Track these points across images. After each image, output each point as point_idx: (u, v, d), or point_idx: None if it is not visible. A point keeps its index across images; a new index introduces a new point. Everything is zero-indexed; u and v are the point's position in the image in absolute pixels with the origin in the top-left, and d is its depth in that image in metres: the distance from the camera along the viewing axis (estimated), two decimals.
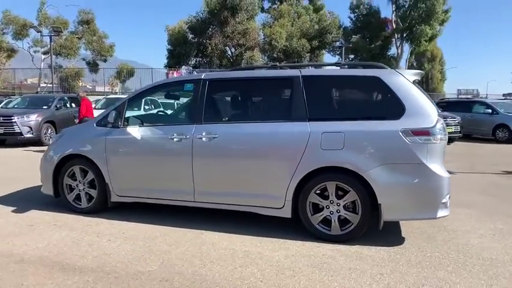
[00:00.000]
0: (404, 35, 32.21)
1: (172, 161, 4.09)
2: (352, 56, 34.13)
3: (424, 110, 3.45)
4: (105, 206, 4.46)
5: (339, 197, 3.58)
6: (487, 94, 42.73)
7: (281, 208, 3.74)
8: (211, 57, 26.00)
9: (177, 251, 3.41)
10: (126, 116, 4.32)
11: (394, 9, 33.31)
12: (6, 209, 4.65)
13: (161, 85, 4.56)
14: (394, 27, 32.93)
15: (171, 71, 33.00)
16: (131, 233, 3.87)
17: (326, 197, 3.62)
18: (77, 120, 10.29)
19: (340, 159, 3.50)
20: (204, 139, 3.92)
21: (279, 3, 30.06)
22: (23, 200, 5.07)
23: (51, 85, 23.65)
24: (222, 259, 3.23)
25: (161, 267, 3.07)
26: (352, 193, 3.51)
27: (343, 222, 3.60)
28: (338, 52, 34.69)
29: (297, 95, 3.75)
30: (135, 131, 4.23)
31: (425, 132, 3.36)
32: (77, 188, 4.55)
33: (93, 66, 27.71)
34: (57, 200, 4.70)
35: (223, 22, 23.99)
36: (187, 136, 3.97)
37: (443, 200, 3.40)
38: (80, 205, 4.54)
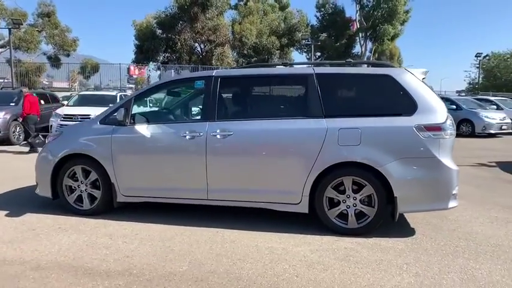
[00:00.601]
0: (368, 34, 33.33)
1: (184, 159, 4.02)
2: (318, 54, 34.86)
3: (434, 106, 3.63)
4: (109, 207, 4.30)
5: (355, 191, 3.69)
6: (439, 91, 45.16)
7: (298, 204, 3.79)
8: (180, 53, 25.51)
9: (200, 250, 3.37)
10: (132, 114, 4.18)
11: (358, 8, 34.35)
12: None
13: (170, 82, 4.45)
14: (358, 26, 33.98)
15: (133, 67, 32.09)
16: (145, 233, 3.76)
17: (342, 192, 3.72)
18: (20, 119, 9.77)
19: (358, 154, 3.60)
20: (218, 136, 3.88)
21: (245, 0, 30.04)
22: (13, 203, 4.77)
23: (7, 80, 22.18)
24: (249, 256, 3.24)
25: (191, 267, 3.02)
26: (369, 187, 3.63)
27: (359, 215, 3.71)
28: (305, 50, 35.33)
29: (312, 92, 3.81)
30: (144, 129, 4.10)
31: (437, 128, 3.54)
32: (78, 189, 4.34)
33: (55, 61, 26.23)
34: (51, 201, 4.47)
35: (194, 18, 23.60)
36: (201, 134, 3.91)
37: (454, 192, 3.61)
38: (82, 207, 4.34)
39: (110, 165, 4.15)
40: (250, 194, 3.92)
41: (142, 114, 4.28)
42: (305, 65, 4.19)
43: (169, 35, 24.65)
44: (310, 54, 37.36)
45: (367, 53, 35.95)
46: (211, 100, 4.01)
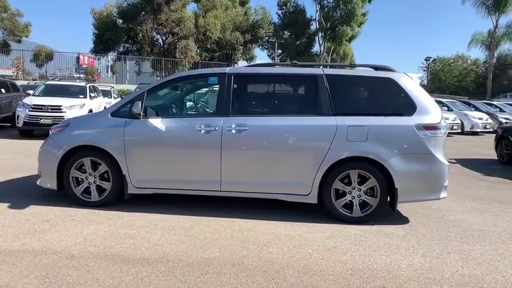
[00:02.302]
0: (327, 34, 34.50)
1: (199, 152, 4.16)
2: (280, 52, 35.50)
3: (431, 108, 4.10)
4: (117, 199, 4.33)
5: (359, 183, 4.07)
6: None
7: (307, 195, 4.10)
8: (142, 45, 24.80)
9: (224, 237, 3.56)
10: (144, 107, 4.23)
11: (318, 8, 35.40)
12: (1, 206, 4.21)
13: (184, 77, 4.53)
14: (318, 26, 35.06)
15: (82, 56, 30.61)
16: (163, 223, 3.87)
17: (348, 184, 4.08)
18: None
19: (365, 149, 3.98)
20: (233, 131, 4.07)
21: None
22: (10, 195, 4.62)
23: None
24: (273, 242, 3.49)
25: (223, 253, 3.22)
26: (372, 180, 4.02)
27: (362, 205, 4.10)
28: (266, 47, 35.83)
29: (322, 91, 4.12)
30: (158, 122, 4.18)
31: (434, 127, 4.02)
32: (86, 180, 4.32)
33: (3, 47, 24.26)
34: (49, 193, 4.45)
35: (157, 9, 23.05)
36: (217, 128, 4.08)
37: (445, 184, 4.11)
38: (90, 198, 4.33)
39: (122, 157, 4.18)
40: (262, 186, 4.16)
41: (156, 107, 4.34)
42: (311, 66, 4.48)
43: (131, 26, 23.86)
44: (271, 52, 38.05)
45: (324, 53, 37.23)
46: (225, 96, 4.19)
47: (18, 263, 2.91)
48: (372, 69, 4.38)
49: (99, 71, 39.13)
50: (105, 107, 13.58)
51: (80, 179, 4.35)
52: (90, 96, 11.22)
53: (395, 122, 4.03)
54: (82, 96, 11.03)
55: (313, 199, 4.10)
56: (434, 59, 40.44)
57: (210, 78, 4.34)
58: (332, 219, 4.12)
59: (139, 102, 4.08)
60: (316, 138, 4.04)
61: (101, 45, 23.86)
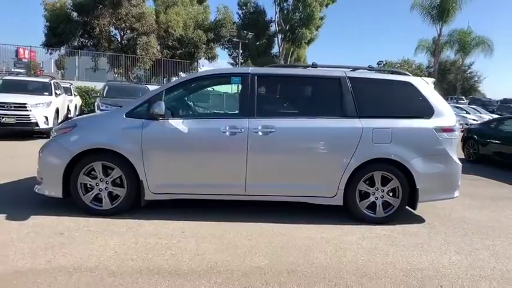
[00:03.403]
0: (287, 36, 35.01)
1: (224, 155, 4.00)
2: (241, 51, 35.41)
3: (446, 111, 4.28)
4: (131, 205, 4.03)
5: (382, 184, 4.15)
6: None
7: (333, 197, 4.10)
8: (99, 39, 23.44)
9: (262, 244, 3.45)
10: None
11: (277, 10, 35.78)
12: None
13: (205, 76, 4.30)
14: (278, 28, 35.47)
15: (22, 49, 28.38)
16: (191, 231, 3.66)
17: (371, 185, 4.14)
18: None
19: (389, 151, 4.06)
20: (260, 133, 3.96)
21: None
22: (2, 204, 4.12)
23: None
24: (313, 247, 3.44)
25: (272, 261, 3.10)
26: (395, 180, 4.12)
27: (384, 205, 4.18)
28: (227, 46, 35.58)
29: (346, 93, 4.15)
30: (179, 124, 3.95)
31: (450, 129, 4.20)
32: (96, 187, 3.96)
33: None
34: (45, 200, 4.11)
35: (117, 3, 21.89)
36: (242, 130, 3.94)
37: (459, 183, 4.32)
38: (101, 206, 3.98)
39: (139, 161, 3.90)
40: (289, 189, 4.09)
41: (174, 108, 4.10)
42: (329, 68, 4.48)
43: (87, 19, 22.46)
44: (231, 51, 37.86)
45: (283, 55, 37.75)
46: (249, 97, 4.06)
47: (54, 284, 2.58)
48: (388, 73, 4.48)
49: (41, 66, 36.31)
50: (68, 106, 12.68)
51: (88, 185, 3.99)
52: (55, 93, 10.38)
53: (416, 124, 4.16)
54: (47, 93, 10.16)
55: (338, 201, 4.11)
56: (384, 64, 42.68)
57: (233, 79, 4.19)
58: (352, 219, 4.15)
59: (162, 103, 3.82)
60: (343, 140, 4.05)
61: (54, 39, 22.17)
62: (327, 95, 4.22)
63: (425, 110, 4.23)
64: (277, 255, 3.21)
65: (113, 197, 4.01)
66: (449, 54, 40.06)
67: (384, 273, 2.99)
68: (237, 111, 4.15)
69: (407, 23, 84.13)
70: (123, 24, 23.51)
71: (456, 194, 4.33)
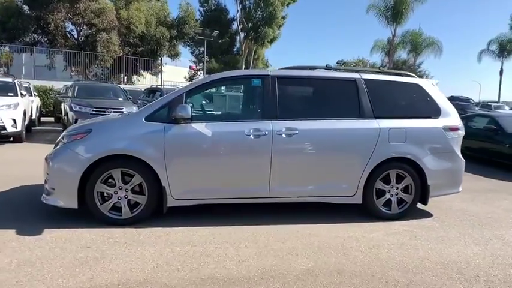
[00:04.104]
0: (250, 34, 35.09)
1: (248, 158, 3.96)
2: (202, 49, 34.96)
3: (451, 111, 4.55)
4: (151, 213, 3.87)
5: (397, 182, 4.33)
6: None
7: (353, 196, 4.22)
8: (54, 35, 21.99)
9: (297, 246, 3.46)
10: None
11: (239, 8, 35.73)
12: (7, 233, 3.43)
13: (225, 78, 4.19)
14: (240, 26, 35.43)
15: None
16: (222, 237, 3.59)
17: (387, 183, 4.31)
18: None
19: (404, 150, 4.24)
20: (283, 135, 3.97)
21: None
22: (8, 218, 3.80)
23: None
24: (347, 246, 3.51)
25: (316, 262, 3.13)
26: (408, 178, 4.31)
27: (398, 202, 4.37)
28: (188, 44, 34.97)
29: (362, 95, 4.27)
30: (202, 127, 3.85)
31: (456, 128, 4.48)
32: (114, 195, 3.76)
33: None
34: (53, 211, 3.89)
35: None
36: (266, 133, 3.93)
37: (462, 178, 4.61)
38: (120, 216, 3.79)
39: (161, 167, 3.75)
40: (311, 190, 4.14)
41: (196, 111, 3.98)
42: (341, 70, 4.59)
43: (41, 14, 20.99)
44: (193, 49, 37.25)
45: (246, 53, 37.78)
46: (270, 99, 4.05)
47: None
48: (396, 74, 4.67)
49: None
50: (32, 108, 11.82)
51: (105, 193, 3.78)
52: (21, 94, 9.63)
53: (427, 124, 4.38)
54: (12, 94, 9.39)
55: (358, 199, 4.23)
56: (343, 63, 44.16)
57: (253, 80, 4.15)
58: (363, 216, 4.29)
59: (188, 106, 3.71)
60: (362, 140, 4.17)
61: (4, 34, 20.45)
62: (344, 97, 4.32)
63: (433, 111, 4.47)
64: (318, 256, 3.25)
65: (131, 205, 3.83)
66: (402, 54, 42.18)
67: (423, 267, 3.13)
68: (258, 114, 4.11)
69: (364, 24, 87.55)
70: (81, 20, 22.26)
71: (460, 188, 4.62)
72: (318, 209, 4.45)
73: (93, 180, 3.69)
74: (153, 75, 26.59)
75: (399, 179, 4.33)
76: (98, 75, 25.38)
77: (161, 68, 26.16)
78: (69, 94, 10.89)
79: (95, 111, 9.70)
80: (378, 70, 4.72)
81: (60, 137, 3.95)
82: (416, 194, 4.35)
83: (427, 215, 4.60)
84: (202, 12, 35.29)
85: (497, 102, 30.89)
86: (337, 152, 4.14)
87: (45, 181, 3.86)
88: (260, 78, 4.12)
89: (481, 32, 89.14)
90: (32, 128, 12.07)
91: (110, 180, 3.77)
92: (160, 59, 26.40)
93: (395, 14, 35.08)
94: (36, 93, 15.07)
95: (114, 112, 9.93)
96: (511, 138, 7.96)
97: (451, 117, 4.50)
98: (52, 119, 17.01)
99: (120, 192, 3.77)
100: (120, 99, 11.30)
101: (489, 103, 27.77)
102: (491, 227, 4.24)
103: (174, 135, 3.78)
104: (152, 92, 15.07)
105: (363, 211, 4.34)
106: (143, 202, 3.81)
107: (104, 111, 9.80)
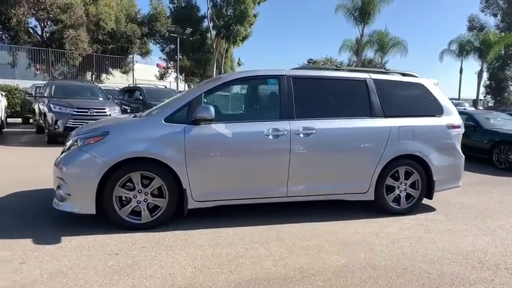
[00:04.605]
0: (221, 32, 34.86)
1: (268, 158, 3.98)
2: (173, 47, 34.34)
3: (453, 110, 4.79)
4: (170, 216, 3.80)
5: (405, 178, 4.50)
6: None
7: (365, 193, 4.35)
8: (17, 31, 20.78)
9: (324, 242, 3.53)
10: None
11: (210, 6, 35.39)
12: (23, 242, 3.26)
13: (243, 78, 4.15)
14: (212, 24, 35.12)
15: None
16: (248, 237, 3.60)
17: (396, 179, 4.47)
18: None
19: (412, 148, 4.42)
20: (301, 135, 4.03)
21: None
22: (18, 226, 3.60)
23: None
24: (370, 241, 3.63)
25: (348, 259, 3.21)
26: (415, 174, 4.50)
27: (406, 198, 4.55)
28: (158, 41, 34.22)
29: (373, 94, 4.41)
30: (223, 128, 3.82)
31: (458, 126, 4.72)
32: (134, 199, 3.66)
33: None
34: (56, 216, 3.77)
35: None
36: (285, 132, 3.96)
37: (462, 173, 4.87)
38: (139, 220, 3.69)
39: (182, 169, 3.69)
40: (327, 188, 4.23)
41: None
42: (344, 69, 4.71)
43: (2, 8, 19.75)
44: (164, 46, 36.45)
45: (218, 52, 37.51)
46: (287, 99, 4.09)
47: None
48: (399, 74, 4.86)
49: None
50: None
51: (124, 198, 3.67)
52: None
53: (432, 122, 4.59)
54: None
55: (370, 196, 4.37)
56: (314, 62, 44.91)
57: (269, 80, 4.17)
58: (373, 212, 4.44)
59: (211, 106, 3.67)
60: (375, 138, 4.30)
61: None
62: (356, 96, 4.43)
63: (436, 109, 4.69)
64: (347, 253, 3.33)
65: (150, 209, 3.74)
66: (370, 53, 43.43)
67: (447, 258, 3.29)
68: (275, 114, 4.12)
69: (334, 23, 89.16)
70: (46, 15, 21.18)
71: (460, 183, 4.88)
72: (327, 206, 4.53)
73: (111, 184, 3.57)
74: (123, 73, 25.77)
75: (407, 175, 4.51)
76: (64, 73, 24.27)
77: (133, 66, 25.42)
78: (46, 94, 10.35)
79: (76, 111, 9.32)
80: (383, 70, 4.87)
81: (72, 140, 3.78)
82: (422, 190, 4.55)
83: (430, 209, 4.82)
84: (173, 10, 34.66)
85: (457, 100, 32.56)
86: (352, 151, 4.26)
87: (58, 187, 3.68)
88: (276, 78, 4.14)
89: (444, 32, 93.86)
90: (2, 130, 11.40)
91: (128, 183, 3.67)
92: (132, 56, 25.64)
93: (363, 15, 36.06)
94: (3, 93, 14.21)
95: (97, 113, 9.61)
96: (488, 134, 8.48)
97: (453, 116, 4.74)
98: (19, 120, 16.15)
99: (139, 196, 3.67)
100: (101, 98, 10.90)
101: (451, 101, 29.25)
102: (491, 218, 4.52)
103: (195, 137, 3.73)
104: (129, 91, 14.68)
105: (374, 207, 4.48)
106: (163, 205, 3.74)
107: (86, 112, 9.47)
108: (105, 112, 9.73)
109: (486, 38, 35.18)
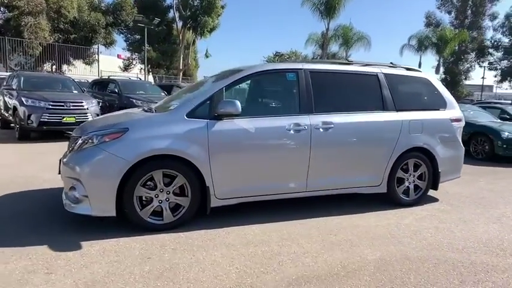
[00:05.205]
0: (188, 23, 34.03)
1: (289, 153, 3.92)
2: (139, 37, 33.11)
3: (454, 103, 4.97)
4: (193, 215, 3.66)
5: (414, 170, 4.64)
6: None
7: (379, 185, 4.43)
8: None
9: (351, 236, 3.55)
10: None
11: None
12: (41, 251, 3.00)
13: (261, 72, 4.01)
14: (178, 14, 34.18)
15: None
16: (277, 234, 3.54)
17: (406, 171, 4.59)
18: None
19: (422, 141, 4.54)
20: (321, 129, 4.01)
21: None
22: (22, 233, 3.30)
23: None
24: (394, 233, 3.70)
25: (380, 251, 3.25)
26: (423, 166, 4.65)
27: (414, 189, 4.69)
28: (122, 31, 32.85)
29: (384, 89, 4.48)
30: (246, 123, 3.71)
31: (459, 120, 4.92)
32: (155, 198, 3.48)
33: None
34: (66, 218, 3.50)
35: None
36: (306, 127, 3.93)
37: (462, 165, 5.09)
38: (161, 220, 3.52)
39: (206, 166, 3.55)
40: (343, 182, 4.26)
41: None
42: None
43: None
44: (128, 36, 35.01)
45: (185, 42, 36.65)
46: (306, 93, 4.05)
47: None
48: (404, 69, 4.96)
49: None
50: None
51: (144, 197, 3.47)
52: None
53: (437, 115, 4.74)
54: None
55: (383, 189, 4.45)
56: (281, 55, 45.20)
57: (288, 74, 4.09)
58: (382, 204, 4.55)
59: (237, 101, 3.54)
60: (388, 132, 4.38)
61: None
62: (369, 90, 4.47)
63: (440, 103, 4.85)
64: (377, 246, 3.38)
65: (171, 208, 3.58)
66: (335, 47, 44.25)
67: (471, 247, 3.43)
68: (295, 108, 4.05)
69: (300, 17, 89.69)
70: (2, 2, 19.61)
71: (460, 173, 5.10)
72: (339, 200, 4.56)
73: (132, 184, 3.36)
74: (87, 64, 24.50)
75: (415, 167, 4.64)
76: (21, 64, 22.67)
77: (98, 56, 24.22)
78: (14, 86, 9.59)
79: (52, 105, 8.73)
80: (390, 65, 4.94)
81: (85, 137, 3.49)
82: (429, 181, 4.70)
83: (433, 199, 5.00)
84: None
85: None
86: (368, 144, 4.30)
87: (71, 188, 3.41)
88: (295, 72, 4.08)
89: (405, 27, 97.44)
90: None
91: (148, 183, 3.47)
92: (97, 46, 24.41)
93: (328, 9, 36.58)
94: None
95: (74, 107, 9.08)
96: (465, 126, 8.90)
97: (454, 109, 4.93)
98: None
99: (161, 195, 3.50)
100: (75, 91, 10.27)
101: None
102: (491, 207, 4.77)
103: (218, 132, 3.60)
104: (100, 83, 13.92)
105: (384, 199, 4.57)
106: (185, 204, 3.58)
107: (62, 105, 8.91)
108: (82, 106, 9.21)
109: (443, 34, 37.00)
